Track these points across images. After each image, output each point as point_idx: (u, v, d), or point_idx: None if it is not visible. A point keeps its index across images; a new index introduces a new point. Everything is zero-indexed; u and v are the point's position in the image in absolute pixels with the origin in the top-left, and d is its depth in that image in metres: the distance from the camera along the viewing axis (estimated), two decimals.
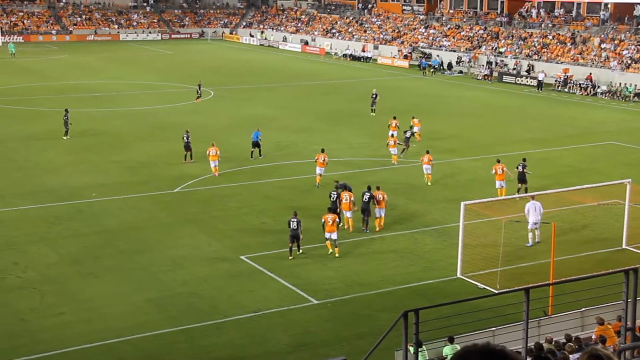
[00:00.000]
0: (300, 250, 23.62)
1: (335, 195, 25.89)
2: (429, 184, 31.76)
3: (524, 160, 30.40)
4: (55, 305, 19.94)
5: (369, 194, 25.71)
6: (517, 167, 29.86)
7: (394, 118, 39.07)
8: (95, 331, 18.48)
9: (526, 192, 28.78)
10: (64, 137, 39.51)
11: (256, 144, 35.64)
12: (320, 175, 30.99)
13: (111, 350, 17.75)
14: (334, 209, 25.02)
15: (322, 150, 31.78)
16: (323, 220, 23.64)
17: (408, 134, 36.58)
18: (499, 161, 29.93)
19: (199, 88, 52.55)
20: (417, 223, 26.96)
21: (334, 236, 23.46)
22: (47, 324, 18.93)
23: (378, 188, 26.46)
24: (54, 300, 20.28)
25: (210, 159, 32.57)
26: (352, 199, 25.78)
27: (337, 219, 23.98)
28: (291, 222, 23.27)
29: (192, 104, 51.03)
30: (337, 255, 23.46)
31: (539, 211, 24.31)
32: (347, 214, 25.79)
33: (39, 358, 17.33)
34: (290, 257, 23.28)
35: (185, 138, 34.71)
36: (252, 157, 35.48)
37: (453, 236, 23.99)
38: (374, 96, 48.12)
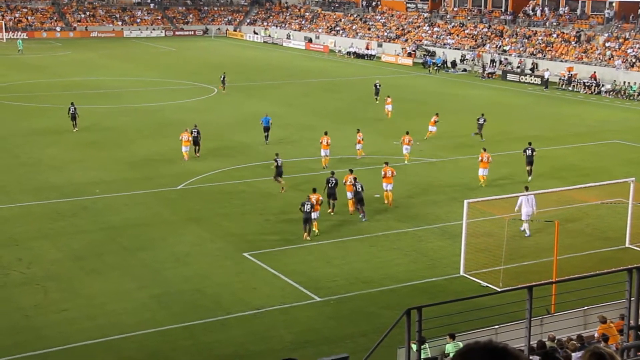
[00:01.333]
0: (311, 232, 24.74)
1: (334, 182, 27.02)
2: (406, 162, 34.11)
3: (530, 144, 32.54)
4: (59, 302, 19.99)
5: (360, 184, 26.74)
6: (526, 151, 32.15)
7: (436, 114, 40.29)
8: (99, 328, 18.52)
9: (531, 173, 31.92)
10: (74, 130, 40.45)
11: (266, 129, 37.89)
12: (326, 156, 33.31)
13: (114, 347, 17.79)
14: (332, 194, 26.92)
15: (325, 133, 33.80)
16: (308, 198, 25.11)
17: (481, 121, 39.31)
18: (484, 150, 31.46)
19: (224, 79, 54.81)
20: (421, 221, 26.96)
21: (315, 215, 24.90)
22: (50, 320, 18.98)
23: (387, 163, 28.80)
24: (57, 296, 20.33)
25: (182, 145, 34.41)
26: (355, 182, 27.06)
27: (320, 199, 25.51)
28: (305, 205, 24.52)
29: (202, 99, 51.09)
30: (315, 230, 24.92)
31: (532, 203, 25.05)
32: (349, 195, 27.05)
33: (42, 354, 17.37)
34: (306, 237, 24.52)
35: (194, 133, 35.19)
36: (266, 140, 37.88)
37: (456, 234, 24.00)
38: (377, 85, 51.80)
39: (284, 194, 29.57)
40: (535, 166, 32.62)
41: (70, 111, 40.59)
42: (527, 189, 25.94)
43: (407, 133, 34.98)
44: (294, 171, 32.96)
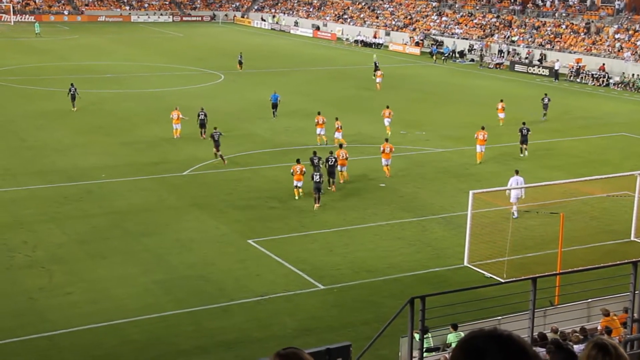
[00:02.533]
0: (319, 203, 26.59)
1: (333, 160, 28.36)
2: (389, 133, 36.19)
3: (524, 123, 34.78)
4: (63, 285, 20.06)
5: (334, 158, 28.38)
6: (522, 130, 34.28)
7: (502, 100, 41.65)
8: (102, 311, 18.59)
9: (525, 151, 34.23)
10: (73, 109, 41.54)
11: (275, 105, 41.16)
12: (321, 135, 35.06)
13: (117, 331, 17.85)
14: (332, 172, 28.34)
15: (319, 113, 35.68)
16: (292, 170, 27.35)
17: (546, 101, 43.02)
18: (483, 128, 33.44)
19: (240, 59, 58.85)
20: (425, 211, 26.93)
21: (300, 184, 27.34)
22: (54, 303, 19.06)
23: (387, 140, 30.96)
24: (62, 279, 20.40)
25: (173, 123, 36.09)
26: (347, 155, 29.39)
27: (304, 170, 27.33)
28: (314, 176, 26.60)
29: (209, 86, 51.05)
30: (297, 197, 27.31)
31: (521, 186, 25.81)
32: (339, 168, 29.16)
33: (46, 337, 17.46)
34: (315, 206, 26.49)
35: (201, 115, 36.17)
36: (274, 116, 41.04)
37: (461, 224, 23.96)
38: (376, 62, 56.43)
39: (291, 180, 29.56)
40: (542, 159, 32.59)
41: (70, 91, 41.77)
42: (517, 172, 26.38)
43: (388, 107, 37.64)
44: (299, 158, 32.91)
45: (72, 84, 42.27)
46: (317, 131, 35.36)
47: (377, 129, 38.95)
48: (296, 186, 27.40)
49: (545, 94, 43.68)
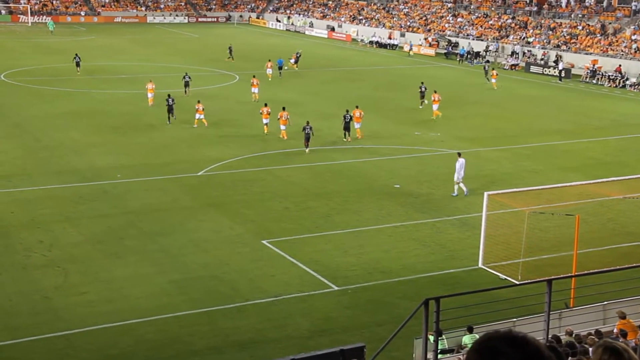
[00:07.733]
0: (308, 149, 33.39)
1: (349, 117, 35.65)
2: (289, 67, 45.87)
3: (422, 83, 45.17)
4: (79, 285, 20.17)
5: (349, 115, 35.82)
6: (420, 88, 44.51)
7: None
8: (117, 311, 18.67)
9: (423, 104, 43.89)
10: (78, 72, 52.32)
11: (280, 67, 54.44)
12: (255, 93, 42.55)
13: (132, 330, 17.93)
14: (347, 127, 35.63)
15: (284, 108, 37.27)
16: (261, 110, 36.43)
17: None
18: (435, 92, 41.54)
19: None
20: (440, 212, 26.87)
21: (267, 122, 36.23)
22: (70, 302, 19.17)
23: (357, 107, 36.68)
24: (77, 279, 20.52)
25: (147, 92, 43.14)
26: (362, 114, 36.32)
27: (269, 110, 36.43)
28: (306, 128, 33.36)
29: (223, 86, 51.17)
30: (265, 132, 36.38)
31: (463, 167, 28.20)
32: (282, 127, 35.75)
33: (61, 335, 17.56)
34: (307, 150, 33.47)
35: (169, 101, 39.95)
36: (280, 75, 54.16)
37: (475, 226, 23.89)
38: (298, 54, 62.45)
39: (305, 181, 29.59)
40: (558, 160, 32.32)
41: (75, 59, 53.11)
42: (459, 154, 28.55)
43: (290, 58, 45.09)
44: (313, 159, 32.96)
45: (76, 54, 53.20)
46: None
47: (391, 129, 38.90)
48: (265, 124, 36.14)
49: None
